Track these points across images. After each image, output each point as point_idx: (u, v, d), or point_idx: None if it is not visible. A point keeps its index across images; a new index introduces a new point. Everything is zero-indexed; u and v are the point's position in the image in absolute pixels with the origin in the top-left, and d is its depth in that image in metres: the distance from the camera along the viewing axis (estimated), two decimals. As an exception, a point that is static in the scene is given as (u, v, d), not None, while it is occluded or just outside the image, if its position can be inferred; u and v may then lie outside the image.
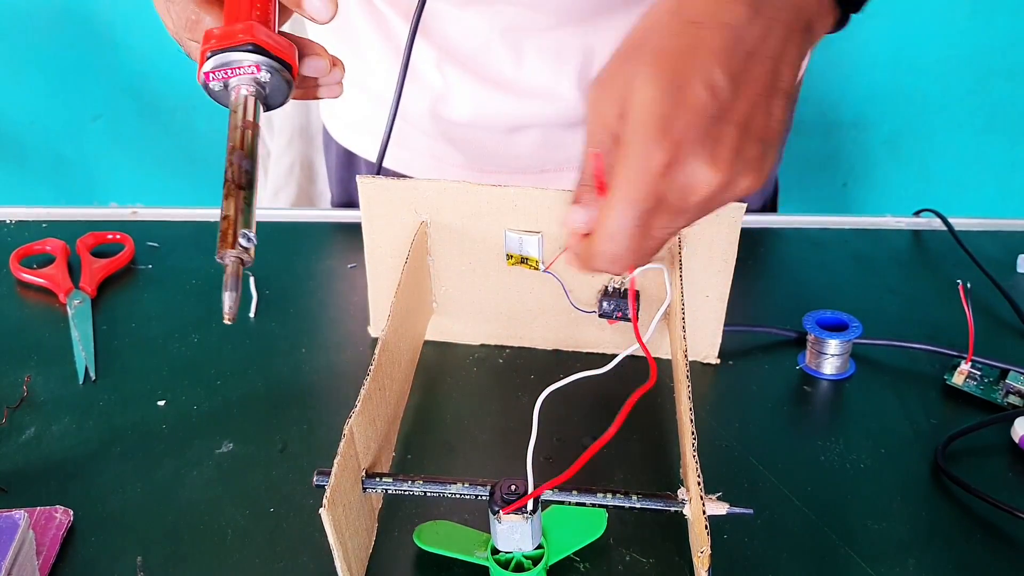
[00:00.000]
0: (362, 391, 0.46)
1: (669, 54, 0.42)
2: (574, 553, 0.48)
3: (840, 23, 0.50)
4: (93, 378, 0.61)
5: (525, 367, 0.63)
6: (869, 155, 1.71)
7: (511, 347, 0.64)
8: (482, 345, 0.64)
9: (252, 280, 0.70)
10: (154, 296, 0.70)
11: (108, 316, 0.67)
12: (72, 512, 0.50)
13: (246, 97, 0.45)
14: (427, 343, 0.64)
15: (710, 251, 0.57)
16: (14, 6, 1.61)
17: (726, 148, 0.42)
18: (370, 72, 0.76)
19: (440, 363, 0.63)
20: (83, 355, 0.63)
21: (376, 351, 0.49)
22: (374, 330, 0.65)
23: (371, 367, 0.48)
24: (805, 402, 0.59)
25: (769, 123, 0.44)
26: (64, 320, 0.66)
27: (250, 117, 0.44)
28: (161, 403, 0.59)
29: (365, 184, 0.58)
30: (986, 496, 0.50)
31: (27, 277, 0.70)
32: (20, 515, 0.45)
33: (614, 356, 0.49)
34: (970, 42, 1.59)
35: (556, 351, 0.64)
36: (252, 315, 0.67)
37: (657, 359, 0.62)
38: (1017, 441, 0.55)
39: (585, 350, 0.64)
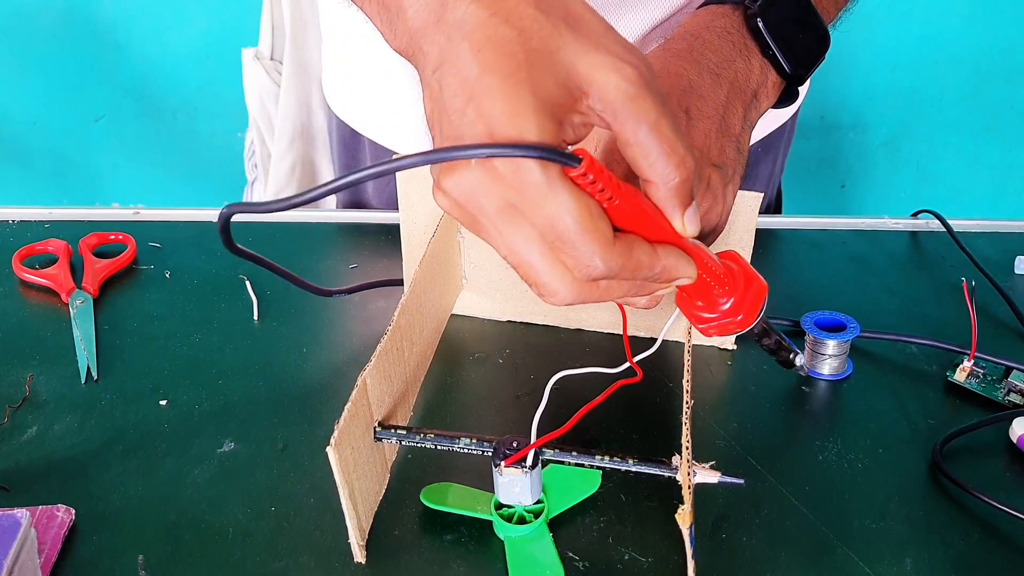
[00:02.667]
0: (378, 348, 0.48)
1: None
2: (574, 552, 0.48)
3: (789, 96, 0.56)
4: (95, 377, 0.61)
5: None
6: (867, 157, 1.72)
7: (536, 325, 0.66)
8: (509, 322, 0.66)
9: (248, 284, 0.70)
10: (156, 296, 0.70)
11: (110, 316, 0.67)
12: (74, 511, 0.50)
13: None
14: (455, 316, 0.67)
15: (727, 239, 0.58)
16: (17, 7, 1.62)
17: None
18: (372, 45, 0.77)
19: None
20: (85, 355, 0.63)
21: (395, 313, 0.51)
22: None
23: (389, 327, 0.50)
24: (803, 402, 0.60)
25: (723, 152, 0.49)
26: (66, 320, 0.66)
27: None
28: (163, 402, 0.59)
29: None
30: (983, 496, 0.51)
31: (30, 277, 0.71)
32: (22, 514, 0.45)
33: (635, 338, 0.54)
34: (968, 44, 1.59)
35: (579, 331, 0.66)
36: (256, 319, 0.67)
37: (676, 342, 0.64)
38: (1015, 441, 0.55)
39: (606, 331, 0.65)
